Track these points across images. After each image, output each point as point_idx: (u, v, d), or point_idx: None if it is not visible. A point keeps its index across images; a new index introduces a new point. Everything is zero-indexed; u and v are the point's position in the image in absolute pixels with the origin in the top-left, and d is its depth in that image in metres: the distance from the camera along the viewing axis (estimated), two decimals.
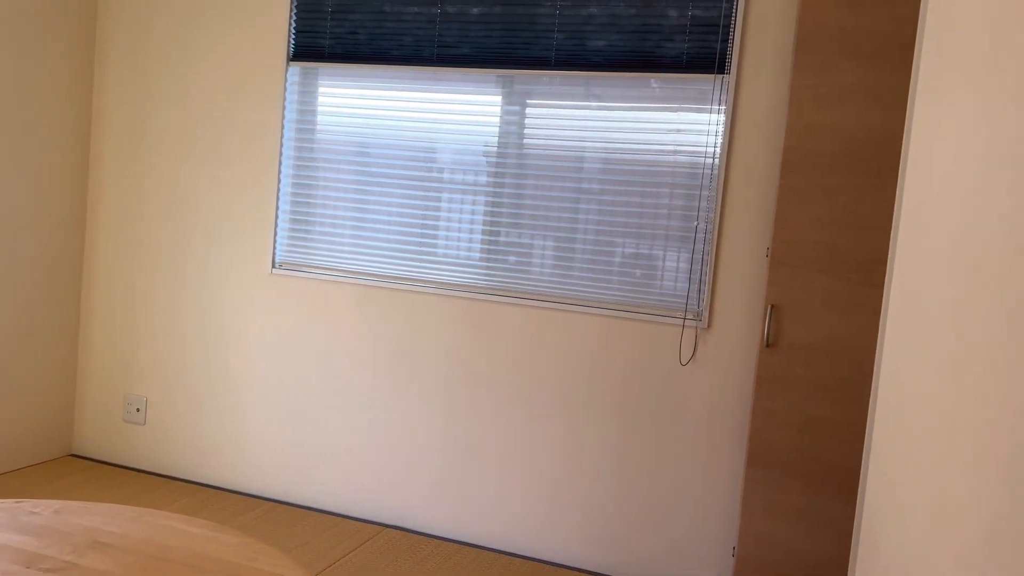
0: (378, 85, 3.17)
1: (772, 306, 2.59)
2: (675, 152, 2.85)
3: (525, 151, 3.01)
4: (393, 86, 3.15)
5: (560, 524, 3.00)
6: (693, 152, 2.83)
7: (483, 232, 3.07)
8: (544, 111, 2.98)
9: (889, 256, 1.98)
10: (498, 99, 3.03)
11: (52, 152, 3.41)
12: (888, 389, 1.80)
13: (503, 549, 3.06)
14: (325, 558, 2.85)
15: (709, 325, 2.83)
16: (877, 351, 2.00)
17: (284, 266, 3.34)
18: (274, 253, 3.34)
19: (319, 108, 3.26)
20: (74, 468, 3.49)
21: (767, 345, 2.59)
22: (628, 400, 2.91)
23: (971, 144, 1.28)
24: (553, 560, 3.00)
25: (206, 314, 3.44)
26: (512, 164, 3.03)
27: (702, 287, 2.84)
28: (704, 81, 2.81)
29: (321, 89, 3.25)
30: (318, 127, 3.26)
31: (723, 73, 2.78)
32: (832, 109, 2.48)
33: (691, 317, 2.85)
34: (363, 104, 3.19)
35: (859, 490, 2.00)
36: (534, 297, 3.02)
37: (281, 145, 3.29)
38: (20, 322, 3.36)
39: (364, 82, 3.18)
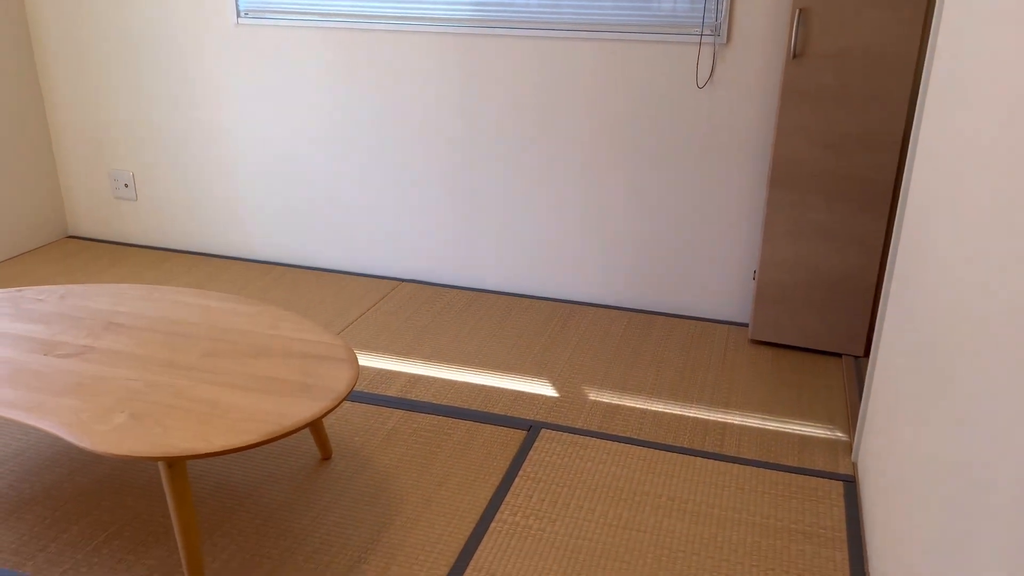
0: None
1: (800, 10, 2.32)
2: None
3: None
4: None
5: (581, 262, 2.96)
6: None
7: None
8: None
9: None
10: None
11: None
12: (938, 91, 1.62)
13: (523, 292, 3.06)
14: (345, 316, 2.85)
15: (728, 40, 2.57)
16: (928, 52, 1.79)
17: (250, 14, 2.99)
18: None
19: None
20: (73, 249, 3.41)
21: (794, 56, 2.36)
22: (643, 129, 2.74)
23: None
24: (576, 299, 3.01)
25: (174, 77, 3.16)
26: None
27: None
28: None
29: None
30: None
31: None
32: None
33: (708, 32, 2.58)
34: None
35: (898, 205, 1.90)
36: (530, 26, 2.72)
37: None
38: None
39: None
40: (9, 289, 2.10)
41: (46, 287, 2.11)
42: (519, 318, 2.85)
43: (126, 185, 3.39)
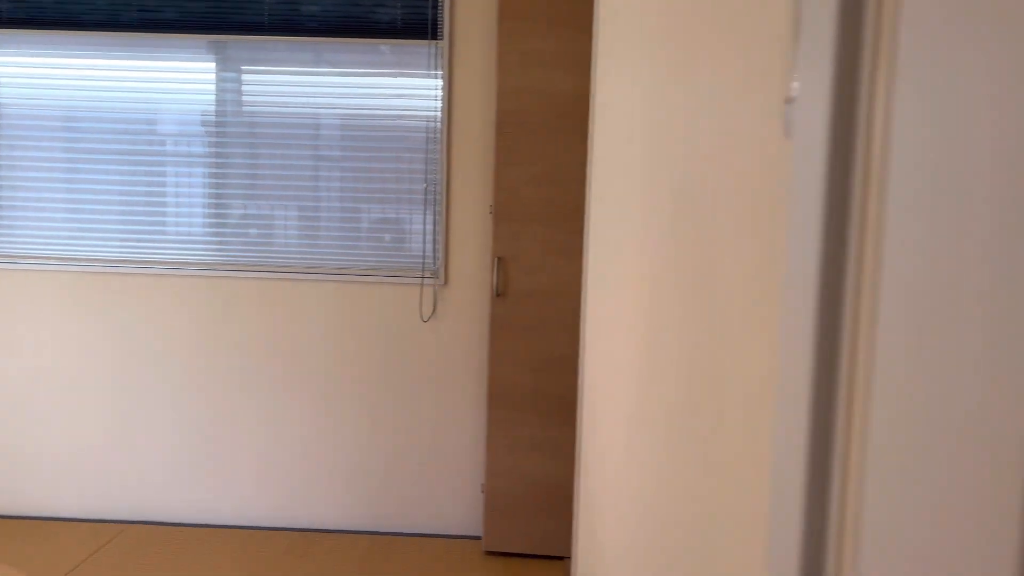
0: (73, 53, 2.90)
1: (499, 258, 2.77)
2: (400, 117, 2.92)
3: (250, 119, 2.92)
4: (92, 54, 2.90)
5: (320, 492, 3.02)
6: (417, 117, 2.92)
7: (211, 206, 2.95)
8: (263, 77, 2.91)
9: (586, 204, 2.21)
10: (212, 66, 2.91)
11: None
12: (590, 322, 2.02)
13: (264, 525, 3.04)
14: (59, 567, 2.65)
15: (446, 281, 2.97)
16: (582, 290, 2.24)
17: None
18: None
19: (0, 80, 2.92)
20: None
21: (497, 295, 2.78)
22: (376, 362, 2.99)
23: (629, 99, 1.48)
24: (315, 527, 3.03)
25: None
26: (236, 133, 2.93)
27: (436, 246, 2.96)
28: (420, 47, 2.89)
29: (1, 59, 2.91)
30: (2, 100, 2.92)
31: (436, 39, 2.89)
32: (536, 72, 2.68)
33: (429, 276, 2.97)
34: (59, 74, 2.91)
35: (577, 417, 2.25)
36: (278, 269, 2.97)
37: None
38: None
39: (55, 50, 2.90)
40: None
41: None
42: (257, 552, 2.81)
43: None
